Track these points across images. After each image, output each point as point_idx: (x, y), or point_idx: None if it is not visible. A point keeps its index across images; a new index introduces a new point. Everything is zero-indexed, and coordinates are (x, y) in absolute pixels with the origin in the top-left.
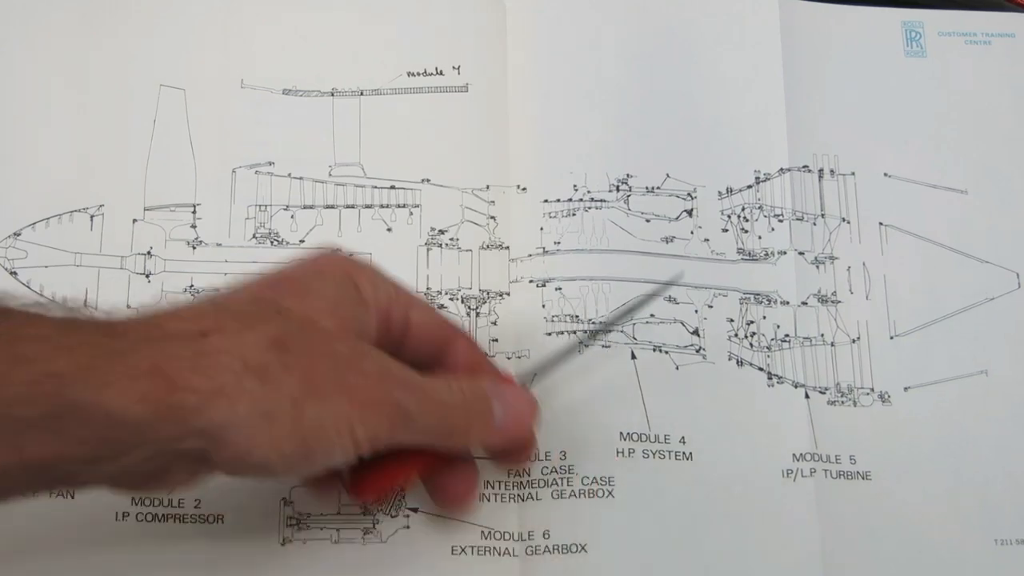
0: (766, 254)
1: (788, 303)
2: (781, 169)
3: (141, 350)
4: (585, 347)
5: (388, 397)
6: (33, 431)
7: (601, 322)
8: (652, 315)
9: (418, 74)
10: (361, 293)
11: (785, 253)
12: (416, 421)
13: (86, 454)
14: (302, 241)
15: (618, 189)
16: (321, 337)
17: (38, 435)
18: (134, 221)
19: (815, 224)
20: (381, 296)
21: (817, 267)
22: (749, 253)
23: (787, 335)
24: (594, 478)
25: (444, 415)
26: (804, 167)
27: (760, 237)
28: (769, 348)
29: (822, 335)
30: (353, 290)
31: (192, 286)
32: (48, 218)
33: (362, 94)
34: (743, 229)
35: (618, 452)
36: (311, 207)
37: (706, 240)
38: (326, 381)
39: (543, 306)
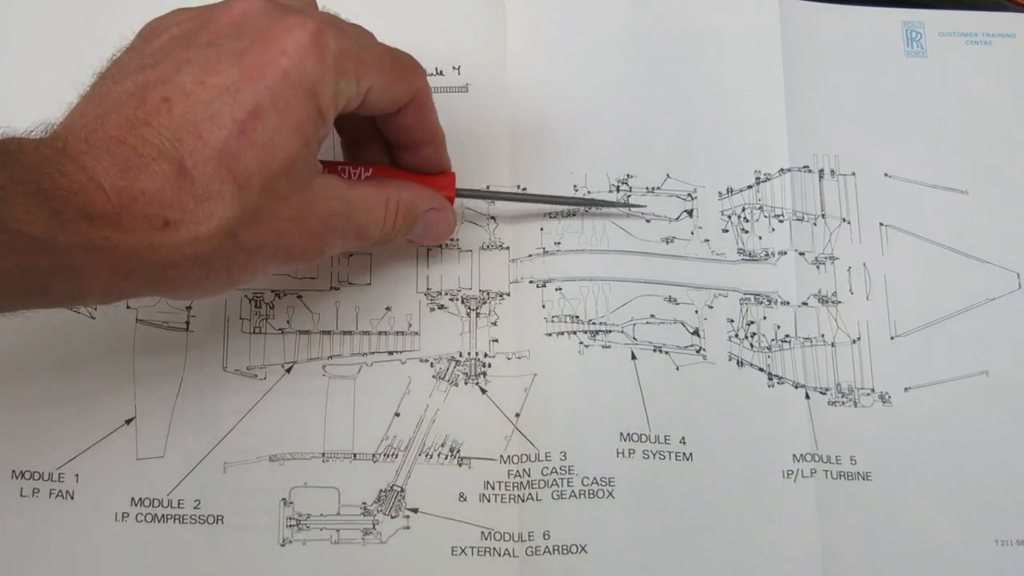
0: (766, 254)
1: (788, 303)
2: (781, 169)
3: (110, 247)
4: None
5: (320, 249)
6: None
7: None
8: (652, 315)
9: None
10: (322, 112)
11: (785, 253)
12: (334, 251)
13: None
14: None
15: (618, 189)
16: (272, 212)
17: (9, 302)
18: None
19: (815, 224)
20: (340, 102)
21: (817, 267)
22: (749, 253)
23: (787, 335)
24: (594, 478)
25: (363, 241)
26: (804, 167)
27: (760, 237)
28: (769, 348)
29: (822, 335)
30: (315, 115)
31: None
32: None
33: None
34: (743, 229)
35: (618, 452)
36: None
37: (706, 240)
38: (265, 254)
39: (543, 306)
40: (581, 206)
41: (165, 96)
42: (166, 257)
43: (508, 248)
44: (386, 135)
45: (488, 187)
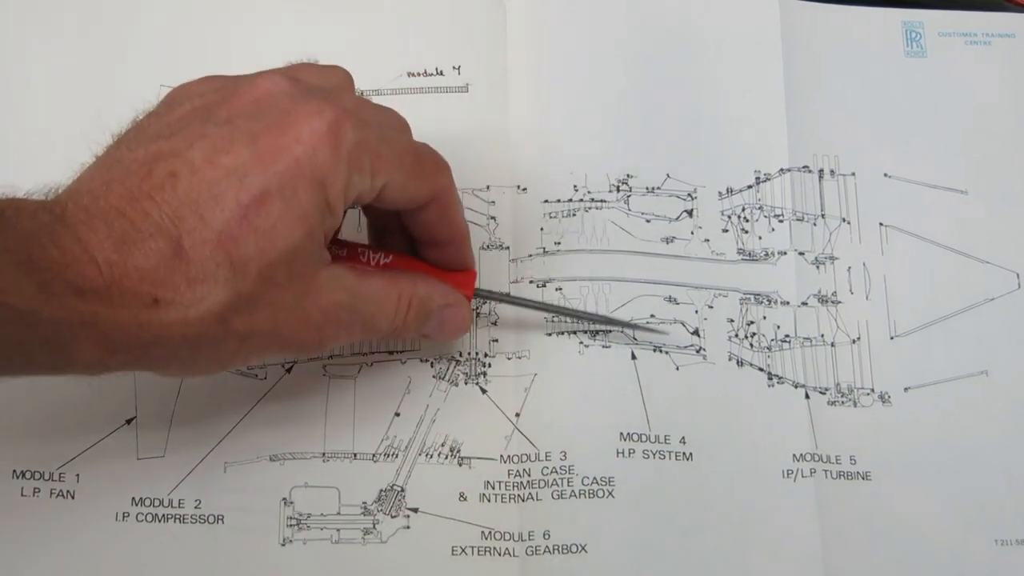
0: (766, 254)
1: (788, 303)
2: (781, 169)
3: (97, 322)
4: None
5: (321, 343)
6: None
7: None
8: (652, 315)
9: (418, 74)
10: (330, 204)
11: (785, 253)
12: (338, 344)
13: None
14: None
15: (618, 189)
16: (268, 301)
17: None
18: None
19: (815, 224)
20: (351, 196)
21: (817, 267)
22: (749, 253)
23: (787, 335)
24: (594, 478)
25: (371, 334)
26: (804, 167)
27: (760, 237)
28: (769, 348)
29: (822, 335)
30: (322, 206)
31: None
32: None
33: (362, 94)
34: (743, 229)
35: (618, 452)
36: None
37: (706, 240)
38: (259, 343)
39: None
40: (605, 326)
41: (173, 171)
42: (154, 336)
43: (508, 248)
44: (408, 228)
45: (488, 187)
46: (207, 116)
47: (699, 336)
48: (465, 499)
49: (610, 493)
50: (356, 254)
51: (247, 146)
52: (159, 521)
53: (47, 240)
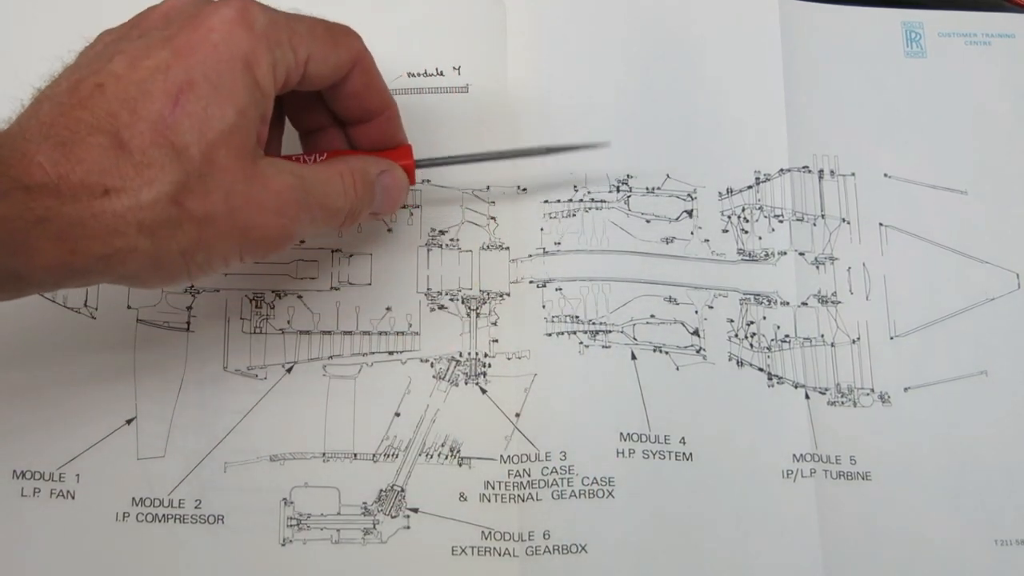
0: (766, 254)
1: (788, 303)
2: (781, 170)
3: (51, 216)
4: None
5: (283, 229)
6: None
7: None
8: (652, 315)
9: (418, 75)
10: (259, 83)
11: (785, 253)
12: (308, 235)
13: None
14: (303, 241)
15: (618, 190)
16: (217, 180)
17: None
18: None
19: (815, 225)
20: (279, 73)
21: (817, 267)
22: (749, 253)
23: (787, 335)
24: (594, 478)
25: (334, 221)
26: (804, 168)
27: (760, 237)
28: (769, 348)
29: (822, 335)
30: (251, 85)
31: (192, 287)
32: None
33: None
34: (743, 230)
35: (618, 452)
36: None
37: (706, 240)
38: (220, 228)
39: (543, 306)
40: (538, 155)
41: (98, 83)
42: (109, 226)
43: (508, 248)
44: (338, 112)
45: (489, 188)
46: (120, 39)
47: (699, 336)
48: (465, 499)
49: (610, 493)
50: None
51: (164, 47)
52: (159, 521)
53: None
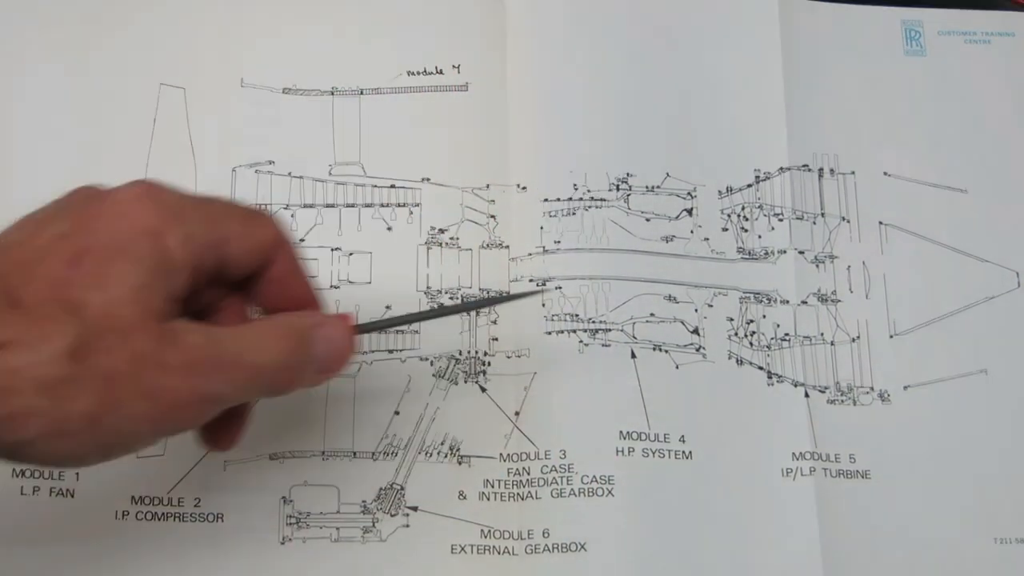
0: (766, 253)
1: (788, 302)
2: (781, 168)
3: None
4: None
5: (196, 392)
6: None
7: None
8: (652, 314)
9: (418, 73)
10: (169, 253)
11: (785, 252)
12: (231, 399)
13: None
14: (302, 240)
15: (618, 188)
16: (120, 337)
17: None
18: None
19: (815, 223)
20: (193, 247)
21: (817, 266)
22: (749, 252)
23: (787, 334)
24: (594, 477)
25: (262, 381)
26: (804, 166)
27: (760, 236)
28: (769, 347)
29: (822, 334)
30: (159, 254)
31: None
32: None
33: (362, 93)
34: (743, 228)
35: (618, 451)
36: (311, 206)
37: (706, 239)
38: (126, 389)
39: (543, 305)
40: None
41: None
42: (6, 384)
43: (508, 247)
44: (261, 302)
45: (488, 186)
46: (32, 215)
47: (699, 335)
48: (465, 498)
49: (610, 492)
50: None
51: (68, 219)
52: (159, 520)
53: None
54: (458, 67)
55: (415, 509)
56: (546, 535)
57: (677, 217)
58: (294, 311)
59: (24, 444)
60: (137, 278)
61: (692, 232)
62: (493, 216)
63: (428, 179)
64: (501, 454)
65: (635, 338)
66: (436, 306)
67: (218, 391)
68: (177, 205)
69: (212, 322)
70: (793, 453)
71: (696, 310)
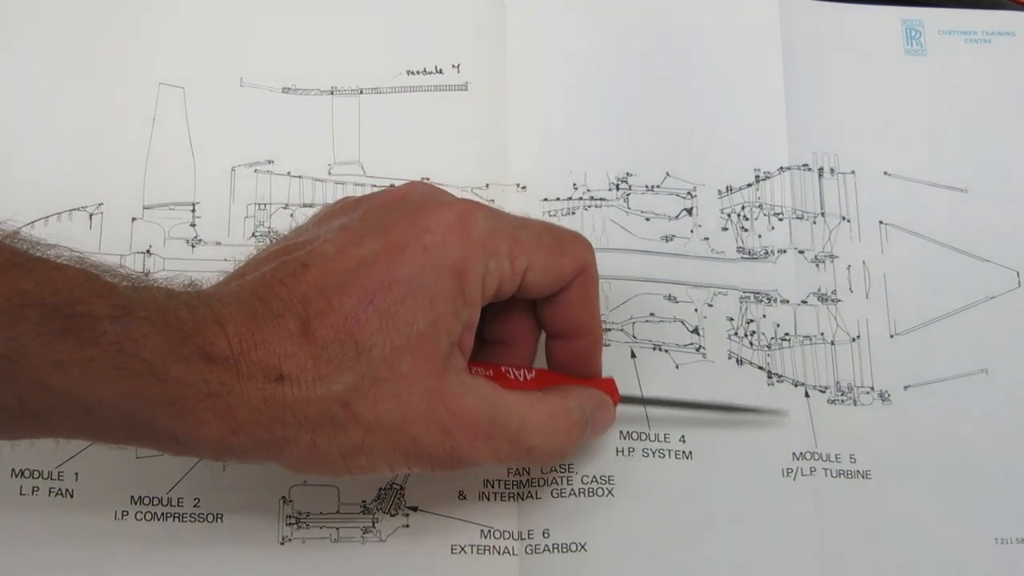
0: (766, 253)
1: (788, 302)
2: (781, 168)
3: (223, 393)
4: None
5: (453, 453)
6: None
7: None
8: (652, 314)
9: (418, 72)
10: (467, 291)
11: (785, 252)
12: (482, 464)
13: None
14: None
15: (618, 188)
16: (394, 391)
17: (114, 430)
18: (133, 220)
19: (815, 223)
20: (491, 281)
21: (817, 266)
22: (749, 252)
23: (787, 334)
24: (594, 477)
25: (529, 458)
26: (804, 166)
27: (760, 236)
28: (769, 347)
29: (822, 334)
30: (456, 292)
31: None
32: (47, 216)
33: (362, 92)
34: (743, 228)
35: (618, 451)
36: (311, 206)
37: (706, 239)
38: (384, 437)
39: None
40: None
41: (305, 262)
42: (276, 415)
43: None
44: (542, 321)
45: (488, 186)
46: (343, 214)
47: (699, 334)
48: (464, 497)
49: (610, 492)
50: (502, 374)
51: (377, 238)
52: (158, 520)
53: (182, 308)
54: (458, 67)
55: (415, 509)
56: (546, 535)
57: (677, 217)
58: (573, 339)
59: (282, 462)
60: (425, 325)
61: (692, 232)
62: None
63: (428, 178)
64: None
65: (635, 338)
66: None
67: (475, 457)
68: (487, 236)
69: (495, 332)
70: (793, 453)
71: (696, 310)
